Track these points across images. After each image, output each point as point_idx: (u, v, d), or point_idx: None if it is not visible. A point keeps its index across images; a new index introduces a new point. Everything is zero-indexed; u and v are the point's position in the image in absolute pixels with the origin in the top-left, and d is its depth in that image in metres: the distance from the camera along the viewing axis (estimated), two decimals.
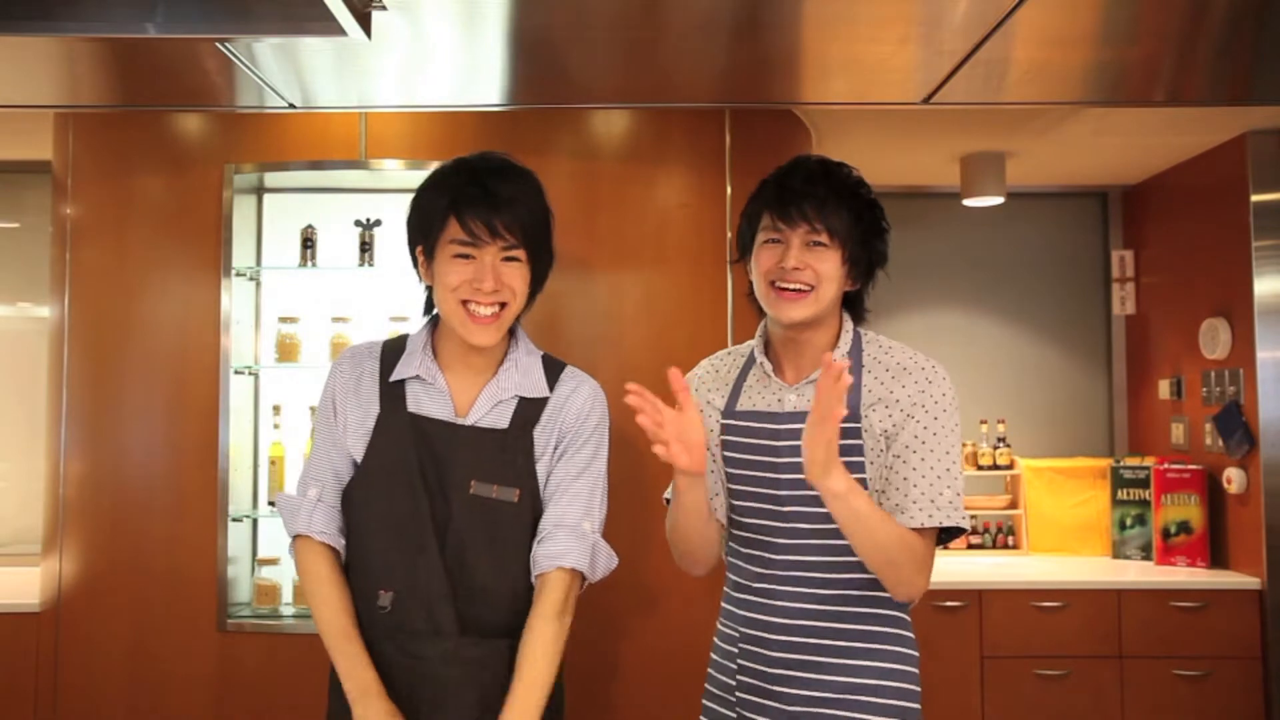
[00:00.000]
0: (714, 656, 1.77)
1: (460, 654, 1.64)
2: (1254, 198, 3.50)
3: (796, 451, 1.59)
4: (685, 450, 1.54)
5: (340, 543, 1.72)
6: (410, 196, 1.74)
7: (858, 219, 1.65)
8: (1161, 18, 1.94)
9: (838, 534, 1.57)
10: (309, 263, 3.12)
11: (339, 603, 1.68)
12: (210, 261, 3.03)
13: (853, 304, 1.73)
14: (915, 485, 1.58)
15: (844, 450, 1.59)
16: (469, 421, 1.70)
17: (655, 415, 1.51)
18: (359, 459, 1.71)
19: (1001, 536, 4.03)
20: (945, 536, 1.63)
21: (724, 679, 1.72)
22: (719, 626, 1.77)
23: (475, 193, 1.62)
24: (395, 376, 1.72)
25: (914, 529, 1.56)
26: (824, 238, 1.62)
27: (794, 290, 1.62)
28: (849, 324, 1.71)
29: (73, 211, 3.08)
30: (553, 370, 1.76)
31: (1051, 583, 3.45)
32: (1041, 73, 2.24)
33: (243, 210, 3.07)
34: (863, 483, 1.60)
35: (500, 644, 1.66)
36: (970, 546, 4.02)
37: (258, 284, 3.19)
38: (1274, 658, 3.36)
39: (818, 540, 1.63)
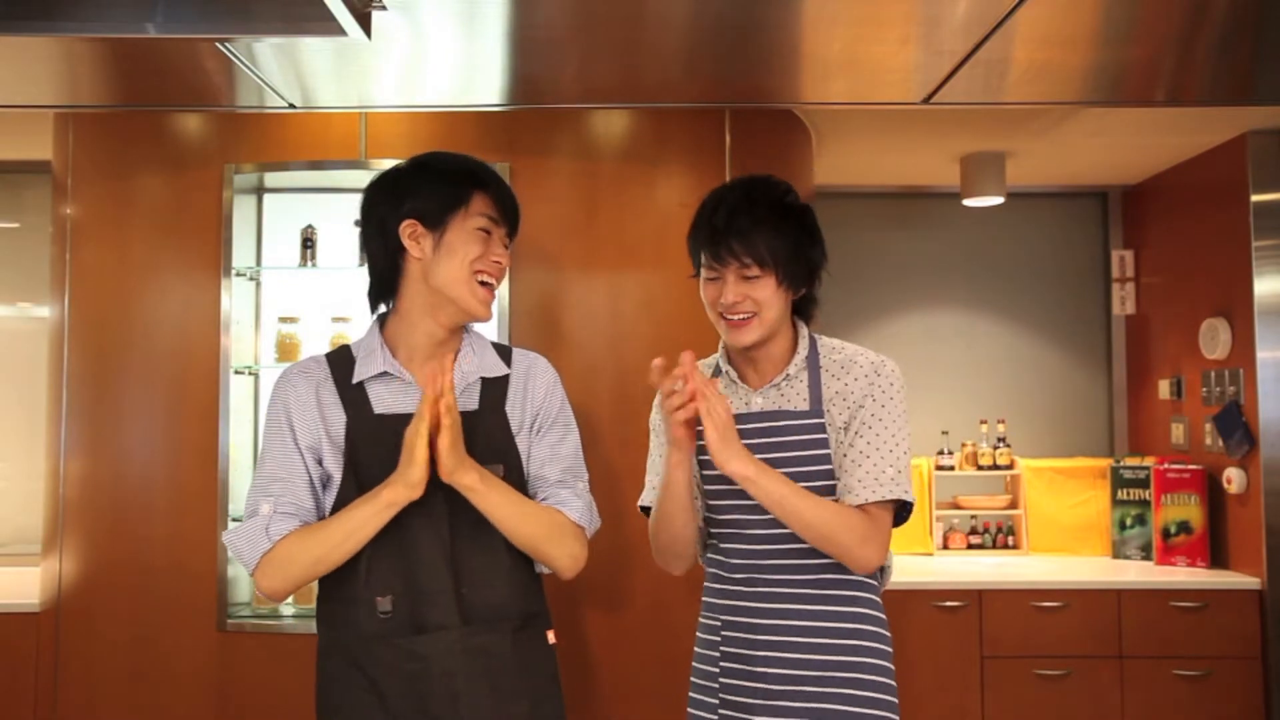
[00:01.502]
0: (697, 650, 1.84)
1: (466, 644, 1.64)
2: (1254, 198, 3.50)
3: (766, 448, 1.71)
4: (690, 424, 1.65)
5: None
6: None
7: (785, 238, 1.70)
8: (1161, 18, 1.94)
9: None
10: (309, 263, 3.12)
11: (325, 520, 1.67)
12: (210, 261, 3.03)
13: (802, 307, 1.80)
14: (860, 465, 1.69)
15: (809, 444, 1.72)
16: None
17: (688, 392, 1.62)
18: (336, 473, 1.68)
19: (1001, 536, 4.04)
20: (900, 517, 1.73)
21: (707, 668, 1.79)
22: (700, 621, 1.85)
23: (497, 179, 1.74)
24: (359, 377, 1.70)
25: (858, 505, 1.67)
26: (754, 270, 1.69)
27: (740, 319, 1.71)
28: (804, 330, 1.80)
29: (73, 211, 3.08)
30: (502, 351, 1.83)
31: (1051, 583, 3.45)
32: (1041, 73, 2.24)
33: (243, 210, 3.07)
34: (829, 474, 1.71)
35: (504, 628, 1.67)
36: (970, 546, 4.03)
37: (258, 284, 3.19)
38: (1274, 658, 3.36)
39: None
